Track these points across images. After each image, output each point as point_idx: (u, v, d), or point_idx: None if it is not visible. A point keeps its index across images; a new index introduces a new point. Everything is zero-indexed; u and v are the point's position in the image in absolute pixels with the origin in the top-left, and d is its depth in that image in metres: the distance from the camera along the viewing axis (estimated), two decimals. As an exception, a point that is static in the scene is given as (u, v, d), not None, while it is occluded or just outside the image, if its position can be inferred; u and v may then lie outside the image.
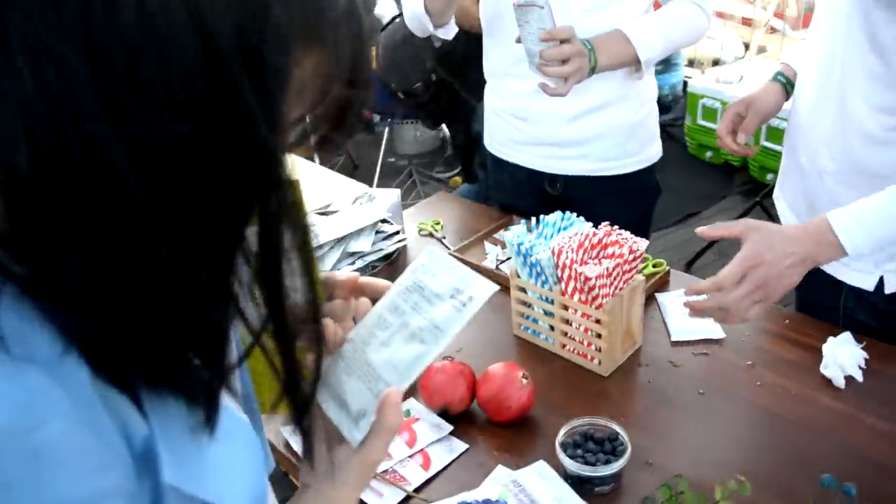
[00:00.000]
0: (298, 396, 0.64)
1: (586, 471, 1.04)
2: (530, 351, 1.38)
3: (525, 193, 1.73)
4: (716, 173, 4.00)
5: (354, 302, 0.79)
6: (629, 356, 1.33)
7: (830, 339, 1.28)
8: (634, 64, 1.49)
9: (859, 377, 1.23)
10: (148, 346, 0.49)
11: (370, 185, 3.90)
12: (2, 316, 0.44)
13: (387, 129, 4.03)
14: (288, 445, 1.19)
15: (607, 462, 1.05)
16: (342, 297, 0.79)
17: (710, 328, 1.37)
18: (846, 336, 1.29)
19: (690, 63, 4.64)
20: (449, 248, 1.71)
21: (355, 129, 0.61)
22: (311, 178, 2.15)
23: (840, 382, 1.22)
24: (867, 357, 1.26)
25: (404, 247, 1.75)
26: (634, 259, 1.24)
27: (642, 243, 1.25)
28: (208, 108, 0.44)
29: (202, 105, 0.43)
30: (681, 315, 1.41)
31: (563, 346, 1.33)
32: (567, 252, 1.23)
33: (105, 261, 0.45)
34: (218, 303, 0.53)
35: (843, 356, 1.25)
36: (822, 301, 1.44)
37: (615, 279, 1.22)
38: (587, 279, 1.19)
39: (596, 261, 1.24)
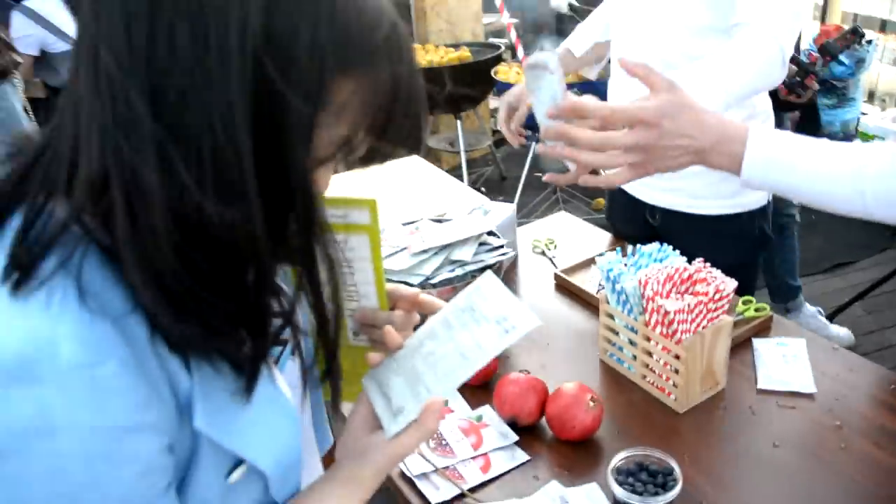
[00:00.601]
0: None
1: (633, 499, 1.06)
2: (612, 377, 1.40)
3: (631, 221, 1.75)
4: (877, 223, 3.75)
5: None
6: (709, 397, 1.32)
7: (932, 410, 1.22)
8: None
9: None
10: (202, 318, 0.60)
11: (513, 197, 3.98)
12: (88, 276, 0.56)
13: (534, 145, 4.08)
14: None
15: (655, 494, 1.06)
16: (405, 308, 0.88)
17: (802, 382, 1.33)
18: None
19: (871, 97, 4.35)
20: (556, 268, 1.75)
21: (409, 146, 0.69)
22: (435, 186, 2.25)
23: (932, 458, 1.16)
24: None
25: (513, 260, 1.82)
26: (721, 299, 1.24)
27: (730, 284, 1.24)
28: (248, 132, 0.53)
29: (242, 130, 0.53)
30: (775, 364, 1.38)
31: (644, 377, 1.34)
32: (653, 284, 1.24)
33: (176, 246, 0.56)
34: (262, 291, 0.63)
35: (940, 430, 1.18)
36: None
37: (697, 316, 1.22)
38: (667, 313, 1.20)
39: (680, 296, 1.25)
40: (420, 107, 0.65)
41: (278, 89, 0.53)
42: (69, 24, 3.07)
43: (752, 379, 1.36)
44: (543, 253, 1.87)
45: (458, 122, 4.48)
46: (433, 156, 4.85)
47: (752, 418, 1.28)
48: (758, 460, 1.19)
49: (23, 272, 0.55)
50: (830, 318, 3.03)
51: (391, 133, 0.64)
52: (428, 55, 4.39)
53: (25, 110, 2.48)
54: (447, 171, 2.78)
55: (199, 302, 0.59)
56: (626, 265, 1.34)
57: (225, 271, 0.60)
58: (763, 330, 1.49)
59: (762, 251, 1.73)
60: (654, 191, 1.66)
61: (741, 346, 1.44)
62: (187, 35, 0.51)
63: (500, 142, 5.27)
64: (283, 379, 0.76)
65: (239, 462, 0.68)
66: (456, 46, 4.49)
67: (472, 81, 4.22)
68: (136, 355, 0.57)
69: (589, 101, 0.98)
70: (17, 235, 0.57)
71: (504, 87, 3.92)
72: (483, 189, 4.39)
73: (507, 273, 1.80)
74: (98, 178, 0.55)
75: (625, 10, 1.60)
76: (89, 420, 0.54)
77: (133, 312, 0.58)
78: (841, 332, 2.96)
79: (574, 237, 1.93)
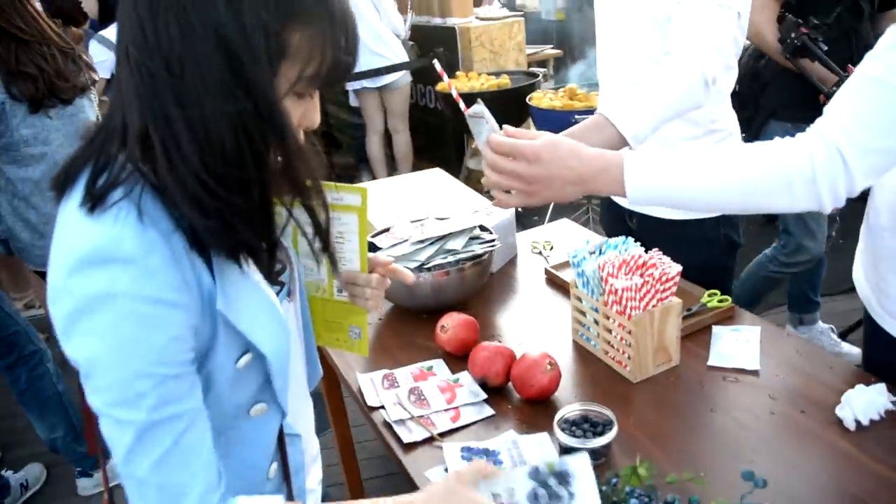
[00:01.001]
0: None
1: (573, 442, 1.24)
2: (582, 354, 1.58)
3: (616, 224, 1.92)
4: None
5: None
6: (663, 371, 1.49)
7: (860, 386, 1.36)
8: (622, 145, 1.42)
9: (865, 422, 1.30)
10: (223, 218, 0.84)
11: (546, 211, 4.17)
12: (145, 200, 0.82)
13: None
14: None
15: (592, 437, 1.24)
16: (380, 273, 1.21)
17: (748, 360, 1.49)
18: (879, 387, 1.36)
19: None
20: (548, 263, 1.94)
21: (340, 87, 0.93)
22: (458, 197, 2.47)
23: (850, 424, 1.30)
24: (892, 408, 1.33)
25: (513, 258, 2.02)
26: (667, 281, 1.41)
27: (674, 269, 1.42)
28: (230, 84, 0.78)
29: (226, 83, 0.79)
30: (728, 345, 1.54)
31: (606, 352, 1.52)
32: (608, 267, 1.43)
33: (198, 170, 0.81)
34: (264, 197, 0.87)
35: (858, 400, 1.32)
36: (884, 360, 1.49)
37: (646, 295, 1.40)
38: (617, 290, 1.39)
39: (630, 277, 1.43)
40: (348, 46, 0.86)
41: (239, 50, 0.78)
42: None
43: (705, 358, 1.52)
44: (540, 253, 2.06)
45: (497, 145, 4.70)
46: (473, 177, 5.08)
47: (698, 389, 1.44)
48: (694, 422, 1.36)
49: (96, 201, 0.80)
50: (843, 336, 3.12)
51: (340, 65, 0.86)
52: (470, 82, 4.64)
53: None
54: (486, 193, 2.99)
55: (219, 206, 0.82)
56: (590, 253, 1.52)
57: (234, 183, 0.83)
58: (725, 319, 1.65)
59: (731, 256, 1.87)
60: None
61: (702, 332, 1.61)
62: (176, 25, 0.77)
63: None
64: (279, 304, 0.99)
65: (244, 351, 0.91)
66: (498, 74, 4.74)
67: (509, 107, 4.45)
68: (175, 257, 0.82)
69: (504, 139, 1.20)
70: (88, 179, 0.83)
71: (538, 113, 4.14)
72: (520, 209, 4.59)
73: (506, 269, 2.00)
74: (142, 132, 0.81)
75: (601, 38, 1.81)
76: (140, 290, 0.79)
77: (175, 231, 0.83)
78: (852, 350, 3.05)
79: (570, 240, 2.12)
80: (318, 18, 0.81)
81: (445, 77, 1.33)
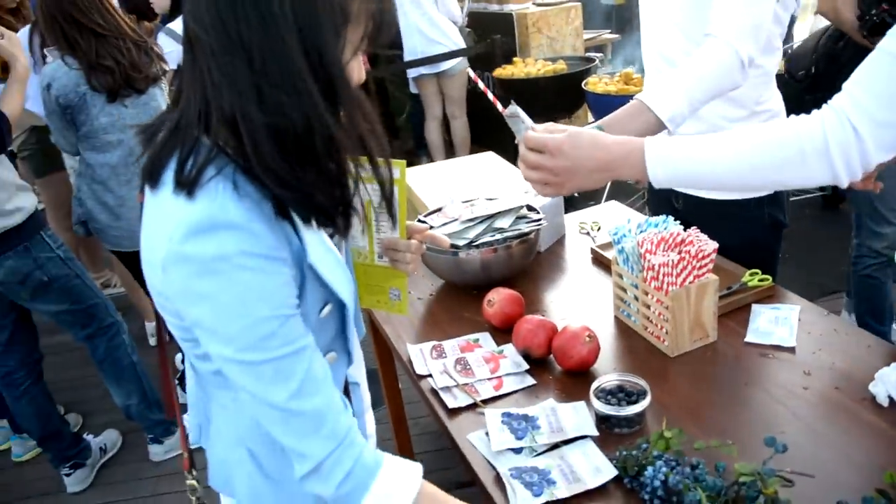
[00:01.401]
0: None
1: (608, 410, 1.31)
2: (622, 329, 1.65)
3: (663, 206, 1.97)
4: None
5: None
6: (700, 346, 1.54)
7: (894, 363, 1.39)
8: (660, 129, 1.48)
9: (898, 398, 1.33)
10: (301, 187, 0.95)
11: (602, 195, 4.20)
12: (239, 179, 0.93)
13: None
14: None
15: (626, 405, 1.31)
16: (418, 239, 1.32)
17: (784, 337, 1.53)
18: (912, 365, 1.39)
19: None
20: (594, 243, 2.01)
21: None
22: (508, 177, 2.55)
23: (882, 400, 1.34)
24: (926, 386, 1.36)
25: (561, 238, 2.09)
26: (704, 258, 1.47)
27: (710, 245, 1.47)
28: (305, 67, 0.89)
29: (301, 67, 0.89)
30: (766, 323, 1.58)
31: (645, 327, 1.58)
32: (646, 244, 1.49)
33: (281, 156, 0.92)
34: (340, 176, 0.98)
35: (892, 377, 1.36)
36: None
37: (682, 272, 1.46)
38: (653, 266, 1.45)
39: (667, 254, 1.48)
40: (390, 13, 1.01)
41: (313, 27, 0.89)
42: None
43: (743, 335, 1.57)
44: (588, 233, 2.13)
45: (553, 130, 4.74)
46: (531, 163, 5.13)
47: (733, 364, 1.49)
48: (727, 395, 1.41)
49: (192, 184, 0.91)
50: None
51: (382, 31, 0.98)
52: (527, 67, 4.69)
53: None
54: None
55: (296, 179, 0.93)
56: (630, 231, 1.58)
57: (308, 157, 0.94)
58: (766, 298, 1.69)
59: (775, 236, 1.90)
60: None
61: (742, 310, 1.65)
62: (257, 16, 0.87)
63: (597, 152, 5.48)
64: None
65: (326, 302, 1.05)
66: (554, 60, 4.77)
67: (565, 92, 4.49)
68: (269, 222, 0.94)
69: (532, 134, 1.28)
70: (176, 168, 0.93)
71: (593, 98, 4.16)
72: (577, 194, 4.62)
73: (554, 248, 2.07)
74: (225, 118, 0.90)
75: (645, 22, 1.86)
76: (250, 248, 0.90)
77: (263, 200, 0.94)
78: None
79: (618, 221, 2.17)
80: None
81: (480, 83, 1.43)
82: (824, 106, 1.18)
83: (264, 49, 0.88)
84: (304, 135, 0.91)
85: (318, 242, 1.02)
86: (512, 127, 1.36)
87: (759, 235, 1.85)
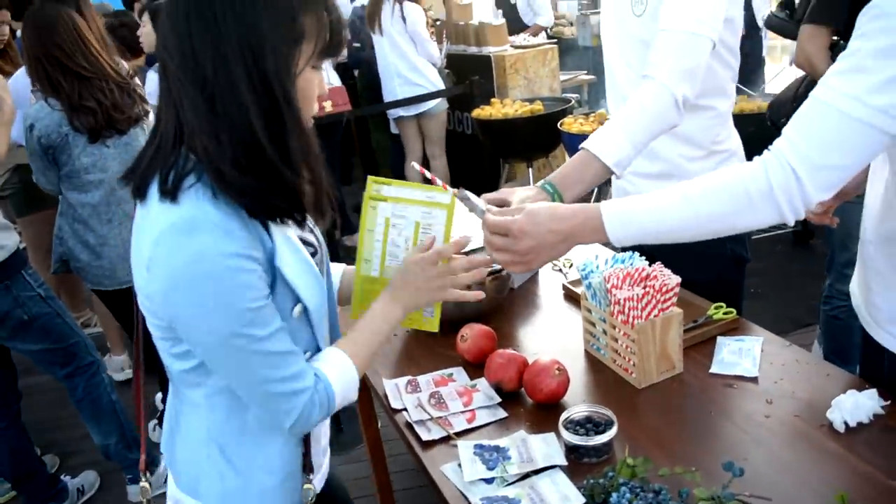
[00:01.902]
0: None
1: (575, 440, 1.35)
2: (592, 362, 1.69)
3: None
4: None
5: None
6: (667, 378, 1.59)
7: (851, 391, 1.45)
8: (609, 174, 1.58)
9: (853, 424, 1.38)
10: (269, 200, 1.07)
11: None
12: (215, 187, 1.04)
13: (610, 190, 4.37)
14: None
15: (593, 435, 1.35)
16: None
17: (747, 367, 1.58)
18: (870, 392, 1.44)
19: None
20: (566, 279, 2.06)
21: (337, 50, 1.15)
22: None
23: (839, 426, 1.39)
24: (881, 413, 1.41)
25: (534, 275, 2.14)
26: (668, 292, 1.52)
27: (674, 280, 1.53)
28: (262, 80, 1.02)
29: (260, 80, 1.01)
30: (730, 354, 1.64)
31: (614, 360, 1.63)
32: (613, 279, 1.54)
33: (244, 163, 1.03)
34: (289, 169, 1.08)
35: (847, 404, 1.41)
36: (874, 366, 1.57)
37: (647, 305, 1.51)
38: (619, 300, 1.50)
39: (632, 288, 1.54)
40: (342, 24, 1.12)
41: (265, 45, 1.02)
42: None
43: (708, 366, 1.62)
44: (560, 270, 2.18)
45: (530, 169, 4.83)
46: (509, 201, 5.21)
47: (699, 394, 1.54)
48: (692, 424, 1.46)
49: (175, 190, 1.03)
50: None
51: (336, 41, 1.10)
52: (504, 108, 4.79)
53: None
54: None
55: (252, 187, 1.05)
56: (598, 267, 1.64)
57: (259, 166, 1.05)
58: (730, 331, 1.74)
59: (738, 271, 1.96)
60: None
61: (707, 342, 1.70)
62: (206, 34, 1.00)
63: (574, 190, 5.57)
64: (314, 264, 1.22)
65: (296, 302, 1.15)
66: (532, 101, 4.88)
67: (542, 132, 4.58)
68: (244, 224, 1.05)
69: (493, 219, 1.35)
70: (159, 182, 1.05)
71: (569, 138, 4.26)
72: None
73: (527, 285, 2.12)
74: (198, 132, 1.03)
75: (606, 61, 1.95)
76: (226, 248, 1.02)
77: (239, 205, 1.05)
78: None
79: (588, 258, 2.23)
80: (316, 4, 1.06)
81: (427, 173, 1.49)
82: (766, 151, 1.25)
83: (213, 68, 1.00)
84: (252, 147, 1.03)
85: (286, 245, 1.13)
86: (467, 208, 1.43)
87: (723, 270, 1.91)
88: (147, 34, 3.76)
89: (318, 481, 1.36)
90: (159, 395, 3.50)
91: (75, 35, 2.63)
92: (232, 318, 1.04)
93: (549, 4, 7.51)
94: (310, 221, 1.28)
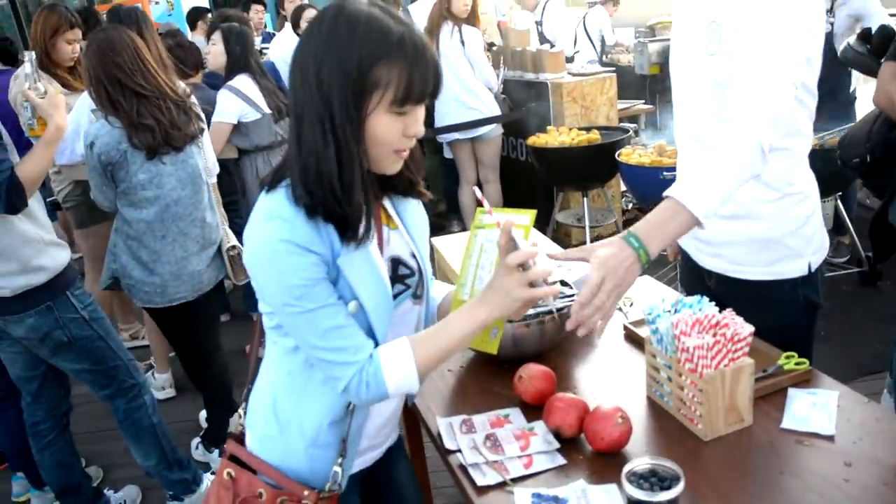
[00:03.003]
0: None
1: (640, 495, 1.27)
2: (654, 409, 1.62)
3: (695, 284, 1.95)
4: None
5: None
6: (734, 431, 1.51)
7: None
8: (694, 226, 1.45)
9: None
10: (329, 207, 1.23)
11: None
12: (295, 192, 1.25)
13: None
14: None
15: (658, 491, 1.28)
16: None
17: (823, 424, 1.49)
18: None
19: None
20: (627, 319, 1.99)
21: (430, 95, 1.25)
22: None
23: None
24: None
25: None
26: (739, 341, 1.44)
27: (746, 329, 1.45)
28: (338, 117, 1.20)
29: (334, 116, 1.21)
30: (802, 408, 1.55)
31: (678, 409, 1.55)
32: (681, 325, 1.47)
33: (306, 182, 1.23)
34: (357, 189, 1.24)
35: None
36: None
37: (717, 354, 1.43)
38: (688, 348, 1.43)
39: (702, 336, 1.46)
40: (427, 73, 1.21)
41: (330, 90, 1.19)
42: (261, 99, 3.72)
43: (779, 420, 1.53)
44: (620, 309, 2.11)
45: (585, 199, 4.76)
46: (562, 230, 5.14)
47: (769, 450, 1.45)
48: (762, 483, 1.37)
49: (271, 187, 1.28)
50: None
51: (415, 90, 1.20)
52: (561, 136, 4.73)
53: (206, 167, 3.00)
54: (573, 245, 3.08)
55: (311, 200, 1.23)
56: (665, 311, 1.57)
57: (326, 189, 1.22)
58: (802, 382, 1.65)
59: (810, 317, 1.87)
60: (704, 255, 1.87)
61: (778, 394, 1.61)
62: (301, 79, 1.22)
63: (628, 221, 5.48)
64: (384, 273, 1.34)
65: (352, 299, 1.28)
66: (588, 129, 4.81)
67: (599, 162, 4.51)
68: (314, 222, 1.23)
69: (586, 287, 1.38)
70: (271, 178, 1.30)
71: (627, 169, 4.18)
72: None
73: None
74: (289, 146, 1.28)
75: (675, 97, 1.89)
76: (288, 237, 1.22)
77: (316, 211, 1.23)
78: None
79: (650, 297, 2.15)
80: (396, 56, 1.17)
81: (482, 198, 1.41)
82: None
83: (302, 108, 1.22)
84: (313, 172, 1.22)
85: (361, 254, 1.28)
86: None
87: (794, 317, 1.82)
88: (216, 53, 3.81)
89: (351, 466, 1.46)
90: (203, 413, 3.50)
91: (135, 55, 2.66)
92: (283, 290, 1.24)
93: (567, 32, 7.51)
94: (415, 248, 1.44)
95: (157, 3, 9.22)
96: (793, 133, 1.69)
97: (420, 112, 1.25)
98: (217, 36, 3.80)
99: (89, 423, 3.61)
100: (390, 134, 1.23)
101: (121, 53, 2.62)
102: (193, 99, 2.92)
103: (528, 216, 1.32)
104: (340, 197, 1.22)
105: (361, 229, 1.26)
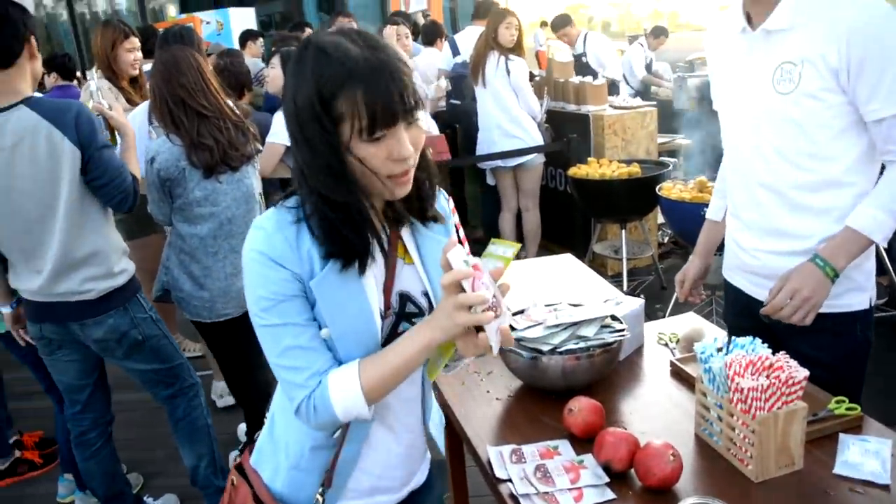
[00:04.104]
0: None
1: (692, 534, 1.29)
2: (703, 447, 1.63)
3: (747, 317, 1.96)
4: None
5: None
6: (785, 473, 1.51)
7: None
8: (870, 245, 1.74)
9: None
10: (329, 227, 1.23)
11: (667, 305, 4.18)
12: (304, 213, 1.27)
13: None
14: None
15: (710, 531, 1.29)
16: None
17: (876, 471, 1.49)
18: None
19: None
20: (673, 355, 2.00)
21: (389, 114, 1.19)
22: (586, 282, 2.57)
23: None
24: None
25: (640, 348, 2.10)
26: (794, 385, 1.46)
27: (801, 373, 1.46)
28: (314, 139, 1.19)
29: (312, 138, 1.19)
30: (855, 455, 1.55)
31: (728, 449, 1.57)
32: (735, 366, 1.49)
33: (316, 201, 1.23)
34: (361, 214, 1.24)
35: None
36: None
37: (771, 397, 1.45)
38: (742, 389, 1.44)
39: (756, 377, 1.48)
40: (389, 94, 1.14)
41: (305, 122, 1.19)
42: None
43: (830, 465, 1.54)
44: (666, 344, 2.13)
45: (623, 231, 4.77)
46: (598, 261, 5.15)
47: (821, 496, 1.46)
48: (815, 528, 1.38)
49: (280, 201, 1.29)
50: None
51: (379, 116, 1.15)
52: (601, 168, 4.76)
53: (259, 187, 3.08)
54: (610, 277, 3.10)
55: (325, 220, 1.23)
56: (717, 350, 1.59)
57: (326, 216, 1.23)
58: (853, 428, 1.66)
59: (863, 355, 1.87)
60: (760, 288, 1.89)
61: (829, 438, 1.62)
62: (291, 106, 1.21)
63: (664, 254, 5.48)
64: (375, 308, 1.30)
65: (323, 325, 1.26)
66: (629, 162, 4.84)
67: (638, 195, 4.53)
68: (297, 242, 1.23)
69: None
70: (283, 196, 1.31)
71: (667, 204, 4.19)
72: (642, 296, 4.61)
73: (631, 357, 2.07)
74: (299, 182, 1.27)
75: (729, 137, 1.95)
76: (257, 247, 1.23)
77: (301, 223, 1.25)
78: None
79: (696, 334, 2.17)
80: (350, 86, 1.13)
81: (466, 244, 1.42)
82: None
83: (295, 133, 1.22)
84: (311, 195, 1.23)
85: (347, 284, 1.25)
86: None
87: (850, 353, 1.84)
88: (274, 76, 3.91)
89: (337, 499, 1.43)
90: (242, 426, 3.55)
91: (199, 76, 2.75)
92: (252, 299, 1.25)
93: (615, 58, 7.53)
94: (430, 287, 1.36)
95: (207, 22, 9.45)
96: (861, 168, 1.74)
97: (400, 133, 1.18)
98: (276, 59, 3.90)
99: (129, 431, 3.67)
100: (375, 162, 1.18)
101: (185, 73, 2.71)
102: (250, 120, 2.99)
103: (511, 249, 1.23)
104: (335, 222, 1.21)
105: (355, 257, 1.24)
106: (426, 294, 1.37)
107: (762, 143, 1.80)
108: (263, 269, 1.22)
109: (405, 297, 1.34)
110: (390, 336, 1.32)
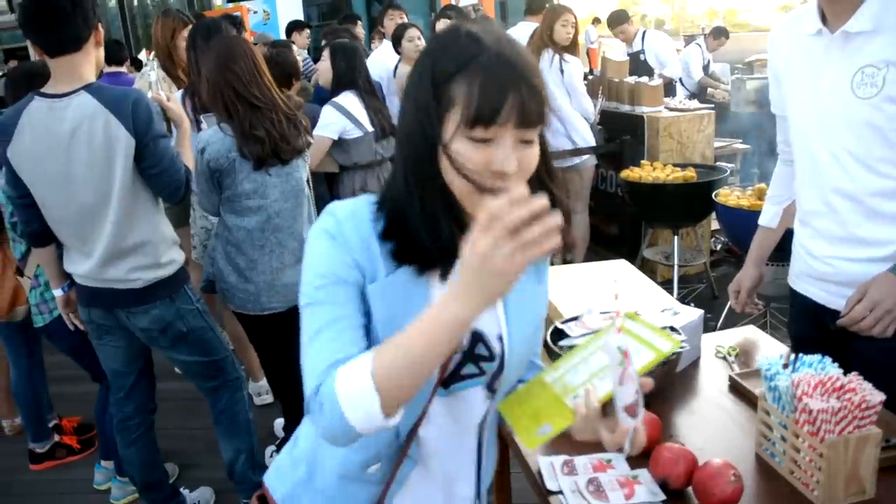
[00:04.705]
0: None
1: (755, 562, 1.22)
2: (764, 468, 1.55)
3: (809, 327, 1.87)
4: None
5: None
6: (855, 502, 1.43)
7: None
8: None
9: None
10: (405, 233, 1.11)
11: (719, 314, 4.07)
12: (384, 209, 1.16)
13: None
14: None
15: (775, 561, 1.22)
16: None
17: (953, 505, 1.40)
18: None
19: None
20: (733, 371, 1.92)
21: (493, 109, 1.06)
22: (641, 290, 2.49)
23: None
24: None
25: (696, 360, 2.01)
26: (868, 409, 1.37)
27: (876, 397, 1.37)
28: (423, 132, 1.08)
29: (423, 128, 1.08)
30: (930, 486, 1.46)
31: (791, 472, 1.48)
32: (804, 385, 1.41)
33: (391, 210, 1.13)
34: (440, 215, 1.09)
35: None
36: None
37: (842, 420, 1.36)
38: (811, 412, 1.36)
39: (826, 399, 1.39)
40: (496, 87, 1.01)
41: (422, 115, 1.07)
42: (364, 117, 3.78)
43: (903, 495, 1.45)
44: (725, 358, 2.04)
45: (676, 237, 4.66)
46: (648, 267, 5.04)
47: (892, 527, 1.37)
48: (887, 562, 1.29)
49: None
50: None
51: (485, 108, 1.00)
52: (655, 171, 4.65)
53: (307, 181, 3.05)
54: (660, 283, 3.02)
55: (403, 224, 1.11)
56: (784, 367, 1.50)
57: (402, 215, 1.11)
58: (930, 457, 1.56)
59: None
60: (836, 297, 1.79)
61: (899, 466, 1.53)
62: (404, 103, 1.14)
63: (716, 262, 5.34)
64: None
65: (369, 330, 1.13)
66: (683, 166, 4.72)
67: (693, 200, 4.42)
68: (367, 236, 1.12)
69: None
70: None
71: (724, 211, 4.07)
72: (692, 304, 4.49)
73: (688, 370, 1.99)
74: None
75: (800, 141, 1.85)
76: (325, 226, 1.13)
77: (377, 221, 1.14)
78: None
79: (754, 347, 2.08)
80: (473, 68, 1.02)
81: (619, 320, 1.11)
82: None
83: (401, 129, 1.13)
84: (400, 200, 1.11)
85: (407, 288, 1.11)
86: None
87: None
88: (324, 69, 3.89)
89: None
90: (280, 421, 3.54)
91: (252, 66, 2.73)
92: (307, 277, 1.12)
93: (676, 57, 7.35)
94: (506, 331, 1.19)
95: (255, 12, 9.49)
96: None
97: (508, 142, 1.01)
98: (326, 52, 3.89)
99: (169, 420, 3.67)
100: (469, 163, 1.01)
101: (238, 62, 2.70)
102: (304, 113, 2.97)
103: (669, 343, 1.11)
104: (414, 217, 1.09)
105: (434, 262, 1.11)
106: (501, 338, 1.20)
107: (838, 149, 1.71)
108: (327, 248, 1.11)
109: (478, 337, 1.17)
110: (451, 376, 1.17)
